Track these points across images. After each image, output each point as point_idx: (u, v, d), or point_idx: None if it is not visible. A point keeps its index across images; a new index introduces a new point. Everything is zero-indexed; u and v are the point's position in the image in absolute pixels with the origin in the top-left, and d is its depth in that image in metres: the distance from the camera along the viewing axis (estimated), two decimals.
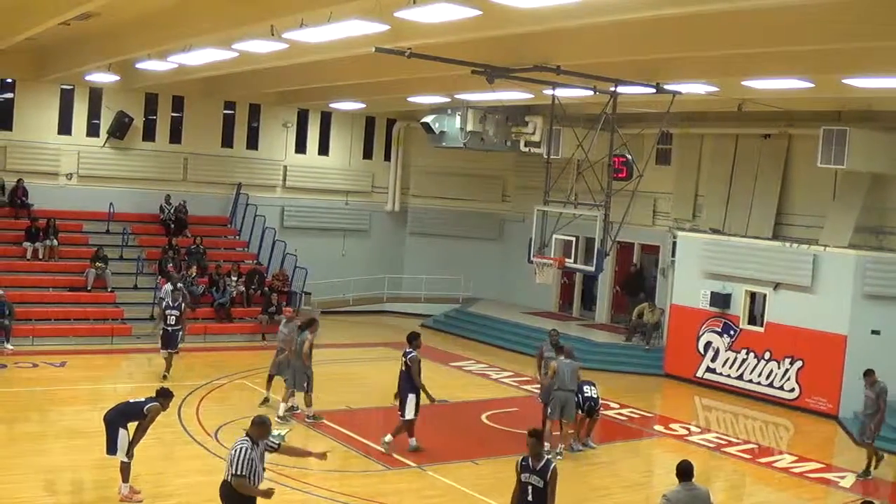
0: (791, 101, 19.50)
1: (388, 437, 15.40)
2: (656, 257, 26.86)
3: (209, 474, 13.56)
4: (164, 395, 12.46)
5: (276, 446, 9.88)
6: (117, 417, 12.27)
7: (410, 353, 15.38)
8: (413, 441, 15.42)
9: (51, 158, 25.49)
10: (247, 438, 9.51)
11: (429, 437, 15.88)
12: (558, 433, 15.88)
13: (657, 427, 18.98)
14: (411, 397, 15.24)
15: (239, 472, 9.27)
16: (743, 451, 17.33)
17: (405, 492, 13.82)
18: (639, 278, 26.98)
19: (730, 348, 22.10)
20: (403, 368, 15.41)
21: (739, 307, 21.92)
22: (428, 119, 26.71)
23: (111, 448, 12.23)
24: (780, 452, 17.65)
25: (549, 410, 15.93)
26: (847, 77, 15.34)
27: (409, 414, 15.29)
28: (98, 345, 22.18)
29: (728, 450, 17.26)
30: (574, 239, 18.90)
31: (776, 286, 21.20)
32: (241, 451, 9.33)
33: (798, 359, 20.73)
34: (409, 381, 15.28)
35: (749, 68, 15.75)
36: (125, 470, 12.27)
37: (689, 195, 25.73)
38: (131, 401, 12.52)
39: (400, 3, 12.33)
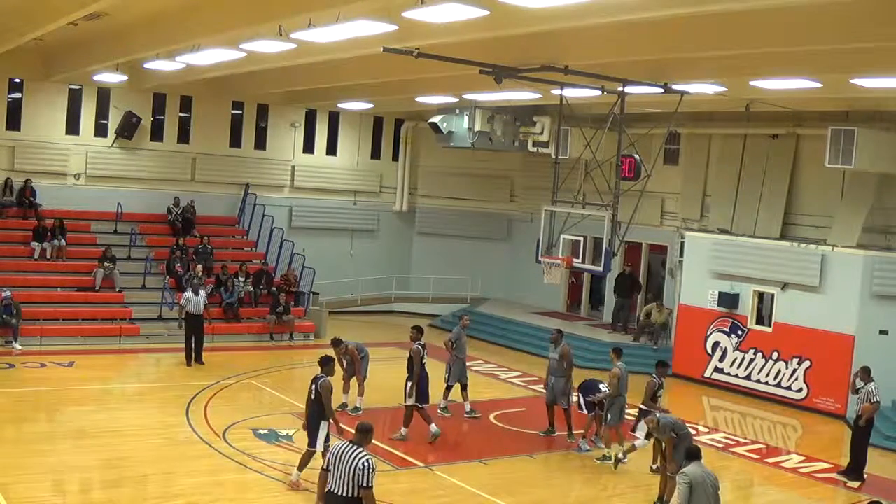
0: (799, 102, 19.45)
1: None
2: (664, 257, 26.83)
3: (217, 474, 13.63)
4: (323, 364, 13.06)
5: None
6: (318, 409, 12.85)
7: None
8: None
9: (59, 158, 25.55)
10: (363, 448, 9.12)
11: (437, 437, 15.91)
12: (609, 437, 15.87)
13: None
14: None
15: (372, 485, 8.92)
16: (751, 451, 17.32)
17: (413, 492, 13.81)
18: (630, 280, 26.87)
19: (738, 348, 22.07)
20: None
21: (747, 307, 21.90)
22: (436, 119, 26.70)
23: (311, 441, 12.88)
24: (789, 452, 17.64)
25: (609, 417, 15.67)
26: (855, 77, 15.30)
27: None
28: (106, 345, 22.22)
29: (736, 450, 17.24)
30: (582, 239, 18.88)
31: (784, 286, 21.17)
32: (371, 462, 8.96)
33: (806, 359, 20.70)
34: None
35: (757, 68, 15.71)
36: (307, 459, 12.90)
37: (697, 195, 25.69)
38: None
39: (408, 4, 12.33)
